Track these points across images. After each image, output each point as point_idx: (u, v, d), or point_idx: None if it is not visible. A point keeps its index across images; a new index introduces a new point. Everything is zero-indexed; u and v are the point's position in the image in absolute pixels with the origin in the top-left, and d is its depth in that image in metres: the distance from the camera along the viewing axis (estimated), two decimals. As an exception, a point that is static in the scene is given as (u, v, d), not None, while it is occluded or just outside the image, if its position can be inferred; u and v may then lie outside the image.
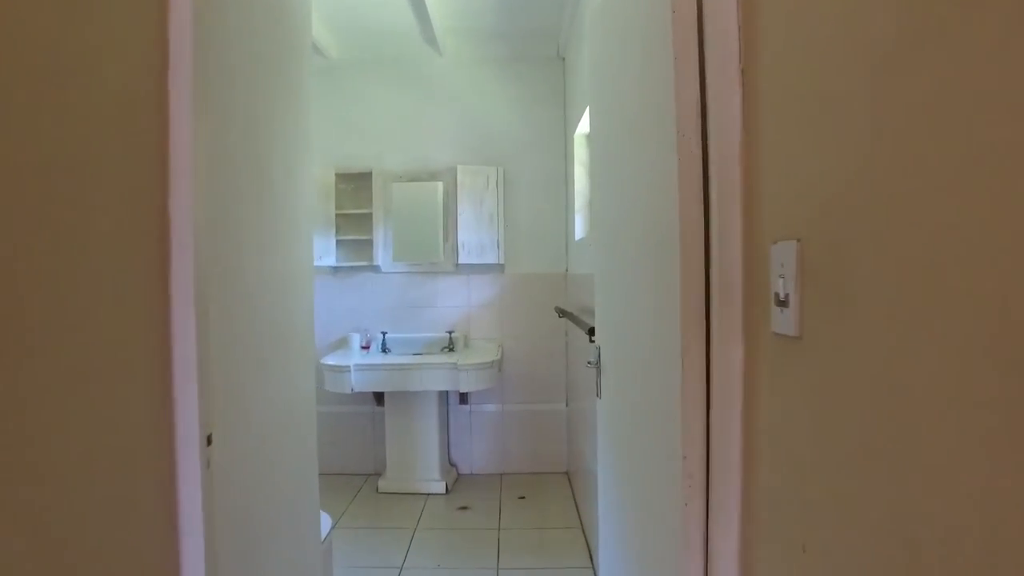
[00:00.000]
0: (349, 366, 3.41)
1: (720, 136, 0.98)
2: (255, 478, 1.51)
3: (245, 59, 1.50)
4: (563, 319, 3.63)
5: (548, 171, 4.01)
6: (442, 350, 3.87)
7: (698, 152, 1.03)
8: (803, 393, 0.79)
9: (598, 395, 1.78)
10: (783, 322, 0.82)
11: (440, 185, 3.99)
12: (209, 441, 1.07)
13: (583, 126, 3.35)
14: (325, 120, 4.00)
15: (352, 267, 4.00)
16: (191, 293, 1.02)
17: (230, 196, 1.40)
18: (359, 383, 3.44)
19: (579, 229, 3.53)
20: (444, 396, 3.83)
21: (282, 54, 1.81)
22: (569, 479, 3.88)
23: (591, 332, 2.20)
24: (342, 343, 4.00)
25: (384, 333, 3.89)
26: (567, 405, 4.01)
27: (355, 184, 4.00)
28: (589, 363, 1.77)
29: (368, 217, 3.91)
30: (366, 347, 3.91)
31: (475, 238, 3.86)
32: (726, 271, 0.98)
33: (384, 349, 3.86)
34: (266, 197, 1.64)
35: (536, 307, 4.00)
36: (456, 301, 4.01)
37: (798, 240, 0.79)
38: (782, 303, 0.82)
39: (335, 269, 4.02)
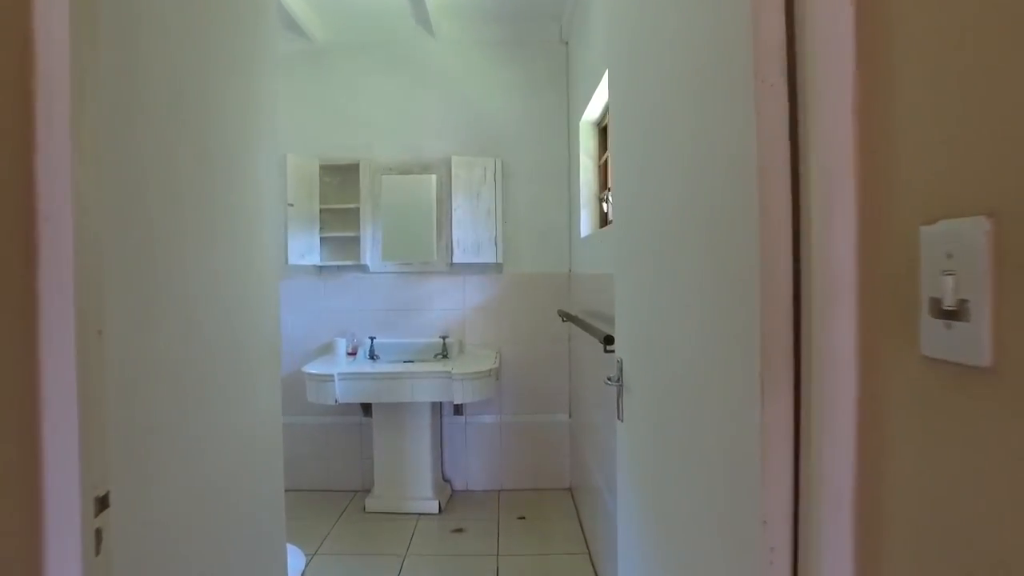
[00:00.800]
0: (333, 375, 3.11)
1: (818, 67, 0.69)
2: (197, 530, 1.21)
3: (177, 9, 1.19)
4: (567, 324, 3.34)
5: (550, 163, 3.72)
6: (435, 357, 3.57)
7: (783, 95, 0.73)
8: (997, 453, 0.49)
9: (619, 418, 1.48)
10: (953, 343, 0.52)
11: (433, 178, 3.70)
12: (104, 504, 0.77)
13: (591, 111, 3.06)
14: (309, 107, 3.71)
15: (338, 267, 3.69)
16: (70, 305, 0.72)
17: (154, 179, 1.09)
18: (344, 393, 3.14)
19: (584, 225, 3.24)
20: (437, 407, 3.53)
21: (238, 14, 1.51)
22: (573, 496, 3.58)
23: (607, 341, 1.90)
24: (327, 349, 3.69)
25: (372, 338, 3.59)
26: (570, 416, 3.72)
27: (341, 177, 3.69)
28: (609, 380, 1.48)
29: (355, 212, 3.60)
30: (352, 353, 3.61)
31: (471, 235, 3.56)
32: (830, 266, 0.68)
33: (372, 356, 3.56)
34: (213, 183, 1.34)
35: (537, 310, 3.71)
36: (450, 303, 3.71)
37: (990, 216, 0.49)
38: (950, 314, 0.53)
39: (320, 269, 3.71)
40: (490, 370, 3.22)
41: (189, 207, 1.22)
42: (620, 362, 1.48)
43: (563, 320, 3.36)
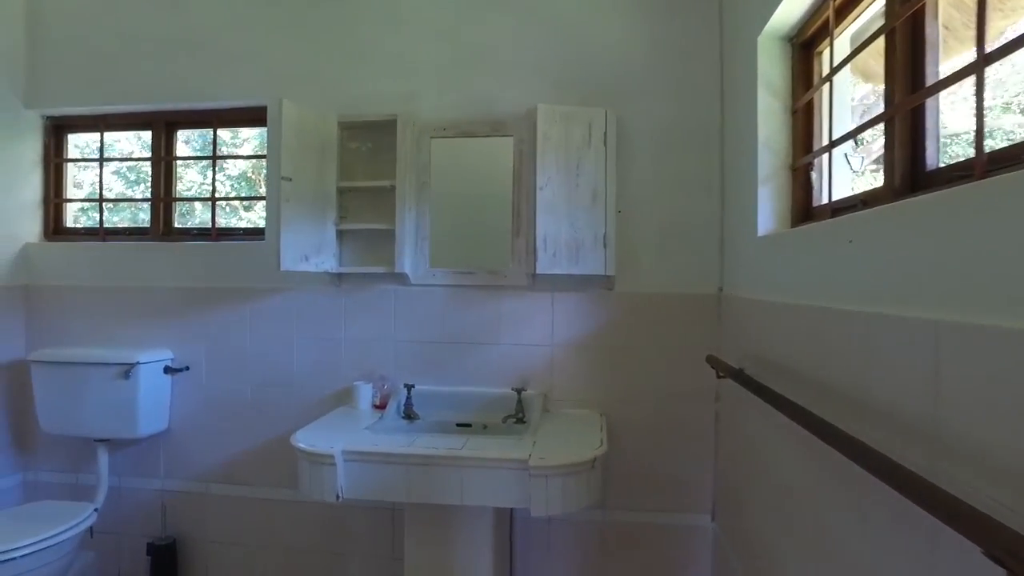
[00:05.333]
0: (333, 454, 1.88)
1: None
2: None
3: None
4: (723, 379, 1.96)
5: (691, 116, 2.35)
6: (505, 421, 2.28)
7: None
8: None
9: None
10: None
11: (510, 142, 2.41)
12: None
13: (782, 16, 1.70)
14: (320, 33, 2.51)
15: (364, 275, 2.48)
16: None
17: None
18: (354, 484, 1.90)
19: (765, 217, 1.86)
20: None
21: None
22: (720, 655, 2.21)
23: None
24: (344, 397, 2.48)
25: (410, 387, 2.35)
26: (714, 520, 2.34)
27: (371, 140, 2.47)
28: None
29: (389, 193, 2.37)
30: (381, 406, 2.38)
31: (566, 231, 2.25)
32: None
33: (407, 413, 2.32)
34: None
35: (666, 351, 2.35)
36: (531, 336, 2.41)
37: None
38: None
39: (338, 278, 2.51)
40: (594, 459, 1.89)
41: None
42: None
43: (719, 376, 1.99)
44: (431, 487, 1.88)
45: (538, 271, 2.22)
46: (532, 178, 2.27)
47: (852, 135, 1.43)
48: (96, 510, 2.47)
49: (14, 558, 2.12)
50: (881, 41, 1.26)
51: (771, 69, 1.85)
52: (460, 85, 2.46)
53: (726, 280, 2.29)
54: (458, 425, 2.27)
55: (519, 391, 2.31)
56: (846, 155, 1.61)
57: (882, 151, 1.24)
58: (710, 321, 2.33)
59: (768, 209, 1.86)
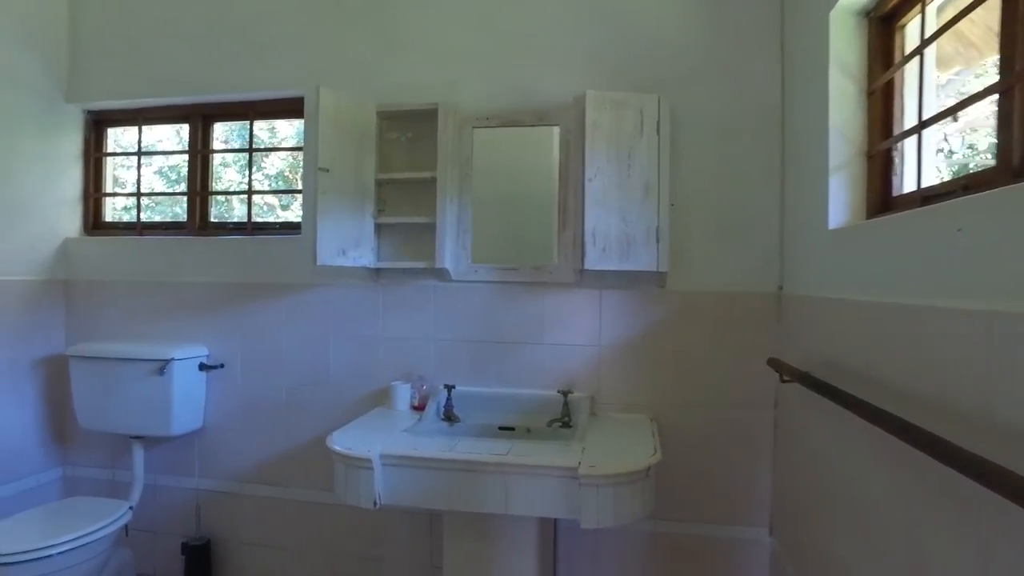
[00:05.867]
0: (371, 459, 1.78)
1: None
2: None
3: None
4: (788, 384, 1.80)
5: (749, 102, 2.21)
6: (550, 424, 2.17)
7: None
8: None
9: None
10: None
11: (555, 131, 2.30)
12: None
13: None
14: (360, 27, 2.44)
15: (403, 270, 2.38)
16: None
17: None
18: (392, 490, 1.80)
19: (837, 208, 1.70)
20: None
21: None
22: None
23: None
24: (381, 398, 2.39)
25: (450, 388, 2.24)
26: (772, 534, 2.18)
27: (410, 129, 2.38)
28: None
29: (429, 185, 2.27)
30: (420, 407, 2.29)
31: (616, 224, 2.12)
32: None
33: (447, 415, 2.22)
34: None
35: (721, 353, 2.21)
36: (578, 336, 2.29)
37: None
38: None
39: (376, 273, 2.42)
40: (648, 468, 1.76)
41: None
42: None
43: (783, 379, 1.84)
44: (474, 495, 1.77)
45: (587, 266, 2.09)
46: (580, 169, 2.15)
47: (951, 112, 1.28)
48: (131, 508, 2.42)
49: (51, 555, 2.09)
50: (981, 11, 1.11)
51: (845, 47, 1.70)
52: (503, 72, 2.35)
53: (787, 277, 2.13)
54: (500, 428, 2.16)
55: (565, 394, 2.19)
56: (945, 137, 1.45)
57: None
58: (768, 321, 2.18)
59: (841, 200, 1.70)
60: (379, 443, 1.86)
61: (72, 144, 2.84)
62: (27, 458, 2.64)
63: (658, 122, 2.15)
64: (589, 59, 2.29)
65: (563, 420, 2.16)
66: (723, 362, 2.20)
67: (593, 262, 2.10)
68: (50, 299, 2.73)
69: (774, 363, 1.93)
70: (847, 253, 1.60)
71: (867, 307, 1.43)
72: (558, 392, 2.21)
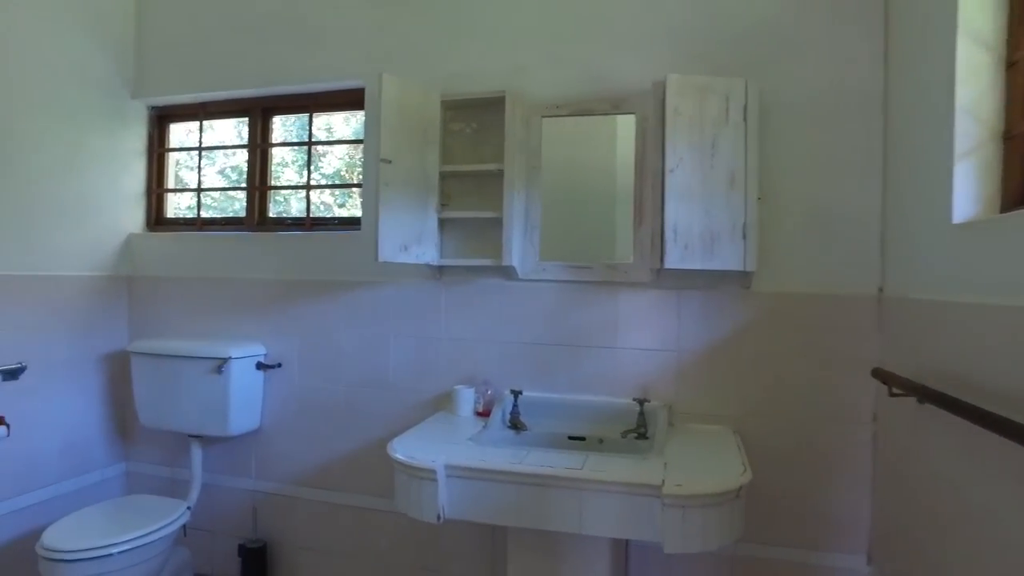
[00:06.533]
0: (435, 470, 1.66)
1: None
2: None
3: None
4: (897, 397, 1.59)
5: (847, 84, 2.00)
6: (625, 435, 2.01)
7: None
8: None
9: None
10: None
11: (632, 120, 2.14)
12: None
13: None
14: (423, 13, 2.34)
15: (467, 268, 2.27)
16: None
17: None
18: (457, 504, 1.68)
19: (962, 199, 1.49)
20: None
21: None
22: None
23: None
24: (442, 402, 2.28)
25: (517, 393, 2.11)
26: (871, 562, 1.97)
27: (475, 119, 2.27)
28: None
29: (495, 178, 2.15)
30: (483, 413, 2.17)
31: (699, 219, 1.94)
32: None
33: (513, 423, 2.09)
34: None
35: (812, 362, 2.01)
36: (654, 340, 2.13)
37: None
38: None
39: (438, 270, 2.31)
40: (740, 488, 1.59)
41: None
42: None
43: (892, 392, 1.63)
44: (545, 511, 1.63)
45: (667, 265, 1.92)
46: (659, 160, 1.98)
47: None
48: (189, 508, 2.38)
49: (111, 554, 2.06)
50: None
51: (978, 12, 1.48)
52: (574, 57, 2.20)
53: (890, 278, 1.92)
54: (570, 438, 2.01)
55: (641, 402, 2.03)
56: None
57: None
58: (866, 327, 1.97)
59: (969, 190, 1.49)
60: (443, 452, 1.74)
61: (136, 140, 2.83)
62: (93, 453, 2.64)
63: (745, 107, 1.96)
64: (667, 41, 2.12)
65: (639, 431, 2.00)
66: (814, 371, 2.00)
67: (674, 260, 1.93)
68: (114, 294, 2.72)
69: (880, 374, 1.73)
70: (977, 251, 1.39)
71: (1005, 312, 1.23)
72: (634, 400, 2.05)
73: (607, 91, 2.15)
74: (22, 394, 2.32)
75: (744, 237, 1.95)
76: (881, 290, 1.97)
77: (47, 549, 2.00)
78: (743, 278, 2.05)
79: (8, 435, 2.23)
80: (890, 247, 1.93)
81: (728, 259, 1.95)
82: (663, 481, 1.54)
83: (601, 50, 2.18)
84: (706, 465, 1.71)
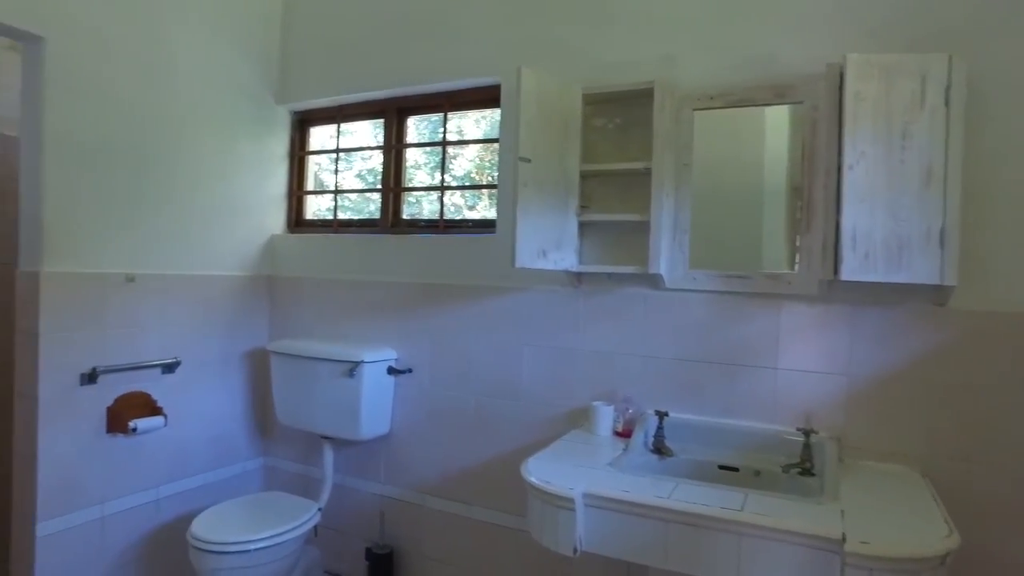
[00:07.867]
0: (573, 498, 1.52)
1: None
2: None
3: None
4: None
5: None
6: (786, 469, 1.76)
7: None
8: None
9: None
10: None
11: (798, 109, 1.88)
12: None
13: None
14: (561, 2, 2.20)
15: (608, 275, 2.10)
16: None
17: None
18: (595, 536, 1.53)
19: None
20: None
21: None
22: None
23: None
24: (578, 419, 2.13)
25: (662, 415, 1.92)
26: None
27: (618, 114, 2.10)
28: None
29: (639, 178, 1.96)
30: (623, 434, 1.99)
31: (882, 223, 1.65)
32: None
33: (657, 447, 1.89)
34: None
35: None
36: (819, 361, 1.85)
37: None
38: None
39: (577, 278, 2.16)
40: (946, 555, 1.31)
41: None
42: None
43: None
44: (696, 554, 1.44)
45: (842, 277, 1.65)
46: (835, 154, 1.71)
47: None
48: (320, 510, 2.41)
49: (248, 551, 2.11)
50: None
51: None
52: (730, 41, 1.97)
53: None
54: (720, 468, 1.80)
55: (807, 432, 1.77)
56: None
57: None
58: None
59: None
60: (581, 478, 1.59)
61: (279, 144, 2.92)
62: (236, 446, 2.76)
63: (947, 89, 1.64)
64: (844, 15, 1.84)
65: (803, 466, 1.75)
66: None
67: (852, 271, 1.65)
68: (257, 294, 2.82)
69: None
70: None
71: None
72: (797, 430, 1.79)
73: (769, 77, 1.90)
74: (176, 387, 2.45)
75: (942, 245, 1.64)
76: (1126, 311, 1.58)
77: (196, 539, 2.10)
78: (937, 293, 1.73)
79: (166, 424, 2.36)
80: None
81: (920, 271, 1.64)
82: (843, 535, 1.30)
83: (760, 31, 1.93)
84: (894, 517, 1.43)
